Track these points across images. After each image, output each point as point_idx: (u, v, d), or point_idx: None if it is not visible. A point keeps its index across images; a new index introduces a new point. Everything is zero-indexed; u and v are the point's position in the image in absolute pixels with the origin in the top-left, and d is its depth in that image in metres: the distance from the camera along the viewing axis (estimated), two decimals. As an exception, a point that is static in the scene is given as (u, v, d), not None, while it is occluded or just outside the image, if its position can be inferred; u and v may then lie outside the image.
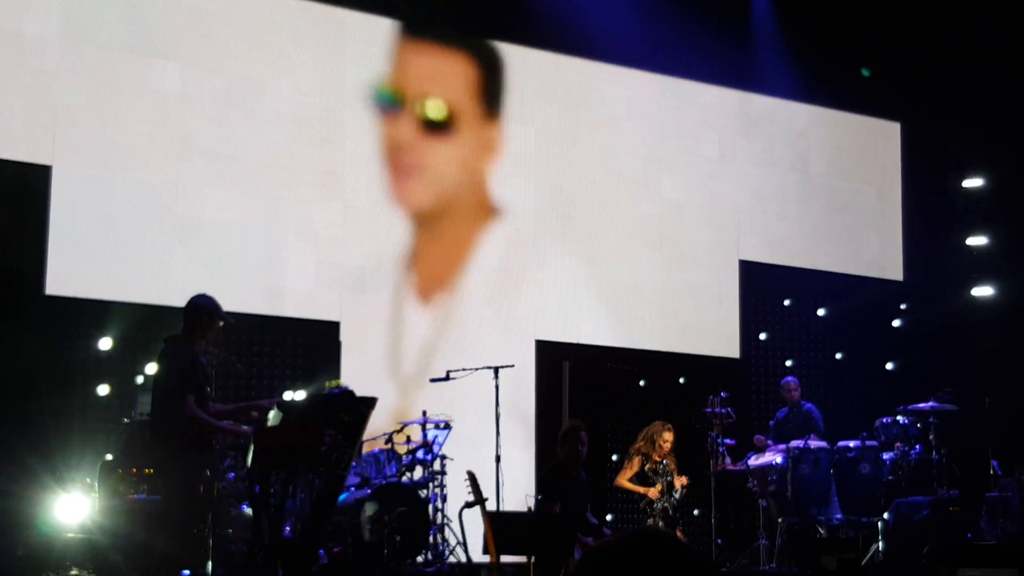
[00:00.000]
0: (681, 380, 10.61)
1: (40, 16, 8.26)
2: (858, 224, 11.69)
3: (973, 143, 11.23)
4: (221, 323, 6.28)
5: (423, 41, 9.82)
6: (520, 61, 10.20)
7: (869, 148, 11.87)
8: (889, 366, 11.40)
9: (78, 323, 8.27)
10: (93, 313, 8.30)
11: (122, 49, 8.53)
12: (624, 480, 8.51)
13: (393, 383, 9.24)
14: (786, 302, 11.25)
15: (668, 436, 8.45)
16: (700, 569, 2.26)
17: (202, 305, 6.24)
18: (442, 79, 9.80)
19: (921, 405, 9.36)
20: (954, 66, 10.93)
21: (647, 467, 8.40)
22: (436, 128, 9.68)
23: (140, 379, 8.21)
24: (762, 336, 11.14)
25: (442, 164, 9.71)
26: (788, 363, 11.12)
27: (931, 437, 9.22)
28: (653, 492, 8.31)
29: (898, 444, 9.42)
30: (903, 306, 11.60)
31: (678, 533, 8.07)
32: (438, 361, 9.08)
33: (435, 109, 9.72)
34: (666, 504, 8.29)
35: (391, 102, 9.57)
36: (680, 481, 8.40)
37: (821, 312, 11.38)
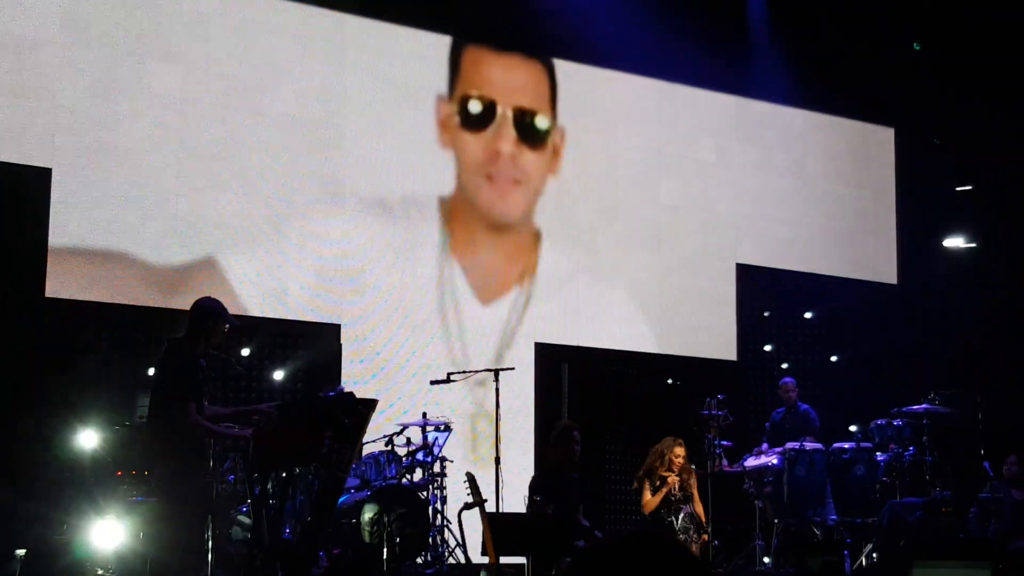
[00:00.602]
0: (668, 381, 10.59)
1: (40, 19, 8.25)
2: (853, 228, 11.73)
3: (966, 147, 11.27)
4: (227, 326, 6.19)
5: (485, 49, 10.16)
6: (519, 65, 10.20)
7: (864, 153, 11.91)
8: (881, 368, 11.43)
9: (78, 325, 8.24)
10: (93, 315, 8.28)
11: (122, 52, 8.52)
12: (650, 503, 7.99)
13: (393, 385, 9.23)
14: (765, 314, 11.25)
15: (679, 451, 8.03)
16: (693, 570, 2.26)
17: (208, 308, 6.12)
18: (530, 89, 10.30)
19: (915, 407, 9.38)
20: (948, 71, 10.97)
21: (666, 490, 7.89)
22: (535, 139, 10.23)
23: (139, 382, 8.18)
24: (767, 348, 11.15)
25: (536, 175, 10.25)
26: (784, 365, 11.15)
27: (924, 439, 9.24)
28: (672, 479, 7.95)
29: (892, 446, 9.44)
30: (897, 309, 11.62)
31: (703, 537, 7.92)
32: (439, 364, 9.07)
33: (542, 121, 10.25)
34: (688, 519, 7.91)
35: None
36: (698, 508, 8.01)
37: (808, 315, 11.39)
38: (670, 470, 7.98)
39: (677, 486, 7.92)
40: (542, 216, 10.22)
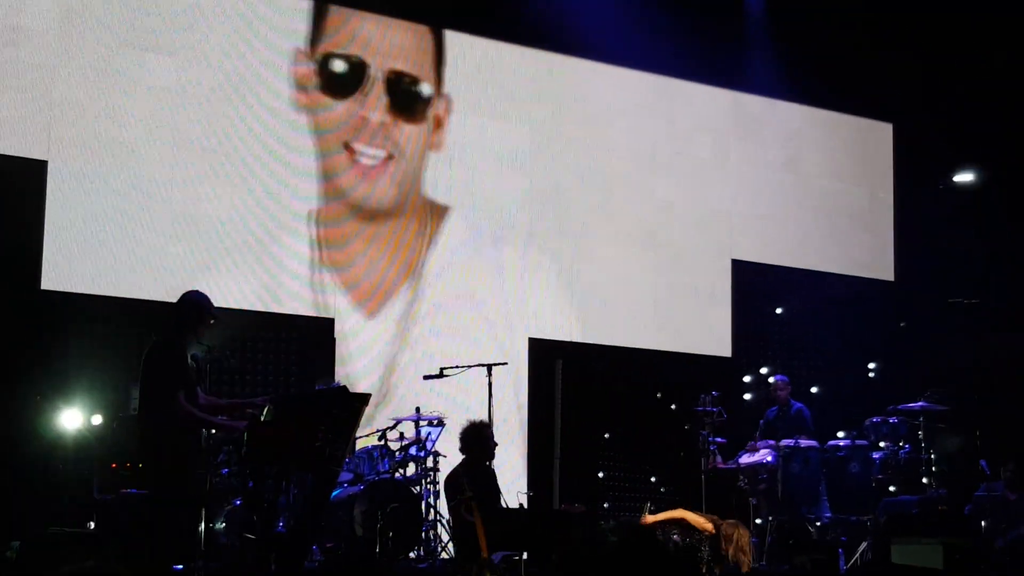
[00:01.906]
0: (658, 395, 10.53)
1: (36, 11, 8.26)
2: (849, 224, 11.73)
3: (964, 144, 11.29)
4: (211, 320, 6.26)
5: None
6: (514, 60, 10.22)
7: (861, 149, 11.91)
8: (871, 365, 11.45)
9: (73, 317, 8.26)
10: (88, 307, 8.30)
11: (118, 44, 8.53)
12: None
13: (387, 379, 9.25)
14: (778, 310, 11.27)
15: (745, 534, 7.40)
16: (680, 567, 2.29)
17: (192, 301, 6.23)
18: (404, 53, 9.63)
19: (911, 405, 9.40)
20: (946, 67, 10.97)
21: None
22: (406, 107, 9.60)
23: (133, 374, 8.20)
24: (763, 370, 10.96)
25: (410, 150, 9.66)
26: (764, 362, 11.14)
27: (920, 437, 9.27)
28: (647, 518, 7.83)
29: (887, 443, 9.47)
30: (893, 305, 11.65)
31: None
32: (432, 358, 9.10)
33: (424, 88, 9.62)
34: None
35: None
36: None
37: (805, 311, 11.39)
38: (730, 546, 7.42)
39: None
40: (536, 208, 10.18)
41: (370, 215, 9.49)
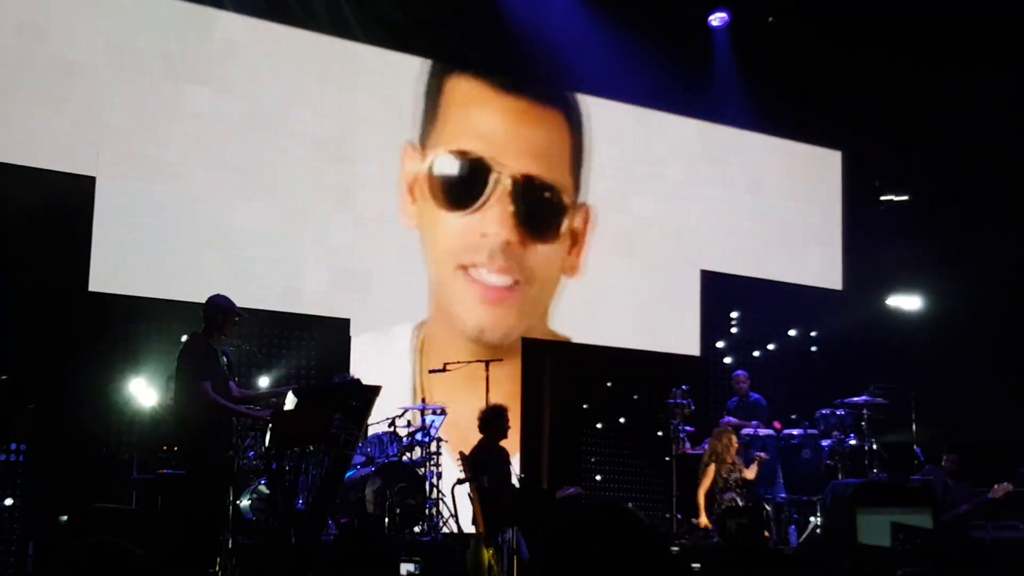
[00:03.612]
0: (635, 397, 10.48)
1: (89, 45, 8.20)
2: (803, 240, 11.72)
3: (905, 169, 11.30)
4: (236, 319, 6.29)
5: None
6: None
7: (814, 173, 11.90)
8: (826, 363, 11.43)
9: (117, 316, 8.20)
10: (130, 308, 8.23)
11: (161, 75, 8.47)
12: (701, 495, 8.32)
13: (396, 373, 9.19)
14: (733, 314, 11.24)
15: (733, 438, 8.35)
16: (651, 542, 2.22)
17: (218, 304, 6.28)
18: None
19: (856, 399, 9.40)
20: (887, 102, 10.98)
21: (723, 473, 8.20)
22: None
23: (170, 367, 8.13)
24: (727, 360, 11.06)
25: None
26: (728, 359, 11.10)
27: (864, 427, 9.25)
28: (703, 522, 8.17)
29: (835, 433, 9.45)
30: (841, 311, 11.63)
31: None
32: (436, 354, 9.03)
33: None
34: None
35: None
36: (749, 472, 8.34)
37: (763, 316, 11.34)
38: (728, 452, 8.25)
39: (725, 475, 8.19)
40: (532, 224, 10.12)
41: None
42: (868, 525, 6.03)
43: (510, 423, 7.31)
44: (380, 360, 9.16)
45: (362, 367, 8.83)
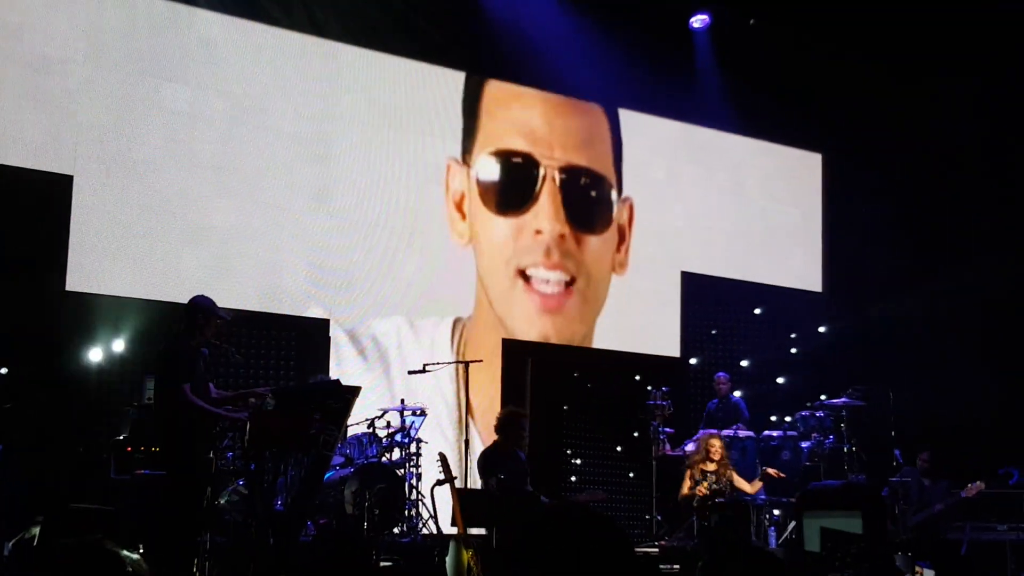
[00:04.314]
0: (613, 398, 10.54)
1: (64, 43, 8.17)
2: (784, 241, 11.81)
3: (884, 171, 11.42)
4: (218, 320, 6.26)
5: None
6: (503, 94, 10.13)
7: (795, 175, 12.00)
8: (806, 365, 11.52)
9: (94, 316, 8.18)
10: (108, 307, 8.21)
11: (138, 73, 8.45)
12: (683, 493, 8.30)
13: (375, 374, 9.21)
14: (712, 332, 11.29)
15: (717, 443, 8.33)
16: (615, 542, 2.25)
17: (199, 304, 6.25)
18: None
19: (835, 401, 9.47)
20: (867, 106, 11.11)
21: (707, 482, 8.14)
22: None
23: (147, 368, 8.13)
24: (692, 361, 11.05)
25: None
26: (692, 360, 11.18)
27: (843, 428, 9.33)
28: (701, 489, 8.17)
29: (815, 434, 9.53)
30: (821, 313, 11.73)
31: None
32: (416, 355, 9.06)
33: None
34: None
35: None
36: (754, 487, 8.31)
37: (744, 318, 11.42)
38: (709, 459, 8.22)
39: (707, 489, 8.14)
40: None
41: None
42: (811, 530, 6.10)
43: (527, 432, 7.15)
44: (359, 359, 9.20)
45: (341, 368, 8.86)
